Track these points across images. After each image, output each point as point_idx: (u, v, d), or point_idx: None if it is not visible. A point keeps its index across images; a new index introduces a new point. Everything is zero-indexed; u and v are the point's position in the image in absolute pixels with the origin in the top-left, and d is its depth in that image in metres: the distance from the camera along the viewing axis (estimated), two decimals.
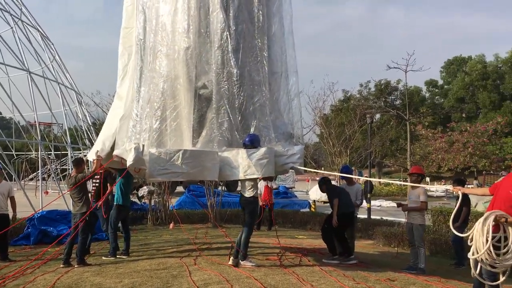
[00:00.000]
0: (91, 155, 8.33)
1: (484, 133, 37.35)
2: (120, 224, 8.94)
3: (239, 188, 8.63)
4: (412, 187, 8.55)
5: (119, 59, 8.28)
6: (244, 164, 7.12)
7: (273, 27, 8.02)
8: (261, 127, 7.58)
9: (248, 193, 7.51)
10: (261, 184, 13.92)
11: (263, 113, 7.62)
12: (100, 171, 8.33)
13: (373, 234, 12.12)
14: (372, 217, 15.72)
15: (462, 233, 6.76)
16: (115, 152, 7.33)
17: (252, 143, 7.20)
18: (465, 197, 6.21)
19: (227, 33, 7.22)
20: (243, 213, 7.86)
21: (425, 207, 8.34)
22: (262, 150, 7.14)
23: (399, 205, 8.85)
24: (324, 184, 8.77)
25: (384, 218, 15.40)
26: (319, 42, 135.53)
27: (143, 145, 6.88)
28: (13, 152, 35.91)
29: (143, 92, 7.35)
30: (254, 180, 7.54)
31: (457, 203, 5.77)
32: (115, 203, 8.73)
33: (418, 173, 8.52)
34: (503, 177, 5.44)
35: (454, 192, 6.37)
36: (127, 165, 6.81)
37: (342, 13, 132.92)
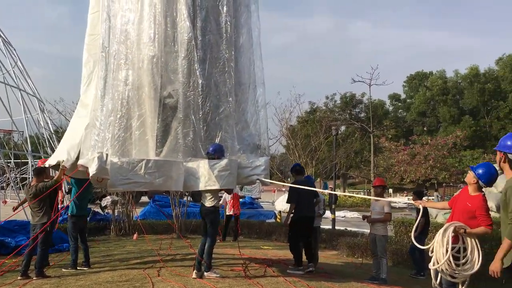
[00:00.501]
0: (51, 161, 8.12)
1: (444, 146, 38.58)
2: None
3: None
4: (377, 199, 8.72)
5: (84, 66, 8.14)
6: (205, 174, 7.10)
7: (241, 38, 8.07)
8: (226, 138, 7.57)
9: (208, 203, 7.49)
10: (227, 194, 13.91)
11: (229, 124, 7.64)
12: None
13: (337, 244, 12.26)
14: (337, 227, 15.90)
15: (422, 243, 6.94)
16: (80, 162, 7.16)
17: (215, 153, 7.18)
18: (425, 209, 6.44)
19: (194, 43, 7.22)
20: (203, 223, 7.82)
21: (389, 218, 8.55)
22: (224, 161, 7.12)
23: (364, 217, 9.02)
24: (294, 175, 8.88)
25: (348, 228, 15.61)
26: (287, 54, 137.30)
27: (107, 155, 6.78)
28: None
29: (107, 100, 7.25)
30: (215, 190, 7.51)
31: (417, 215, 5.93)
32: (69, 213, 8.52)
33: (382, 186, 8.75)
34: (461, 189, 5.64)
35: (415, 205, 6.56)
36: (90, 175, 6.70)
37: (310, 26, 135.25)
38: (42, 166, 8.01)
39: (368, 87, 23.18)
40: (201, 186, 7.20)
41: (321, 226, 10.38)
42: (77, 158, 7.49)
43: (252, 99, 8.14)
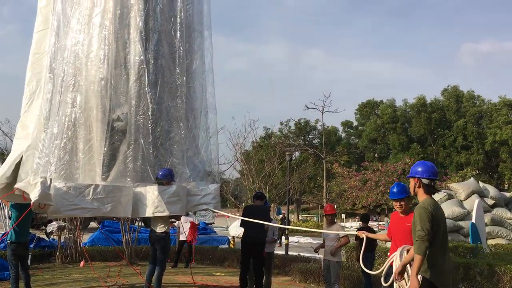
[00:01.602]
0: None
1: (394, 173, 39.74)
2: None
3: None
4: (328, 225, 8.81)
5: (26, 85, 7.82)
6: (154, 200, 6.98)
7: (193, 64, 8.09)
8: (176, 163, 7.49)
9: (159, 229, 7.36)
10: (183, 220, 13.70)
11: (180, 149, 7.57)
12: None
13: (290, 270, 12.23)
14: (290, 253, 15.92)
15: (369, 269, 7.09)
16: (17, 185, 6.80)
17: (165, 178, 7.08)
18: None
19: (145, 66, 7.16)
20: (152, 249, 7.65)
21: (348, 240, 8.63)
22: (173, 188, 7.03)
23: (316, 249, 9.03)
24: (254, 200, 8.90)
25: (301, 254, 15.65)
26: (242, 79, 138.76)
27: (51, 179, 6.50)
28: None
29: (52, 123, 6.99)
30: (166, 216, 7.39)
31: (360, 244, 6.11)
32: (8, 240, 8.13)
33: (334, 213, 8.85)
34: (391, 217, 5.95)
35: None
36: (32, 201, 6.36)
37: (264, 52, 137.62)
38: None
39: (321, 114, 23.66)
40: (150, 213, 7.06)
41: (275, 252, 10.35)
42: (12, 181, 7.13)
43: (204, 125, 8.13)
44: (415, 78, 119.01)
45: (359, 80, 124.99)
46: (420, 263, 4.37)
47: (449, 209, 16.13)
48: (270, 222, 9.03)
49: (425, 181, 4.65)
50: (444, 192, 17.98)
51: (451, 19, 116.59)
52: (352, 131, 71.04)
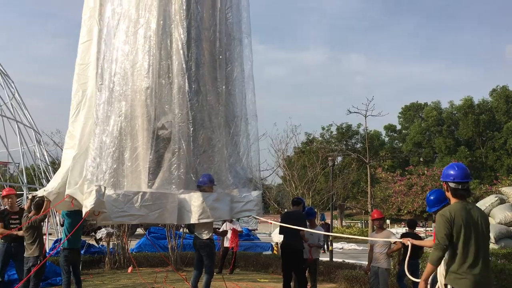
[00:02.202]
0: (40, 192, 8.04)
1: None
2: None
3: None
4: (377, 232, 8.59)
5: (73, 96, 8.05)
6: (198, 207, 7.04)
7: (234, 71, 8.15)
8: (219, 171, 7.56)
9: (204, 236, 7.41)
10: (227, 226, 13.82)
11: (222, 156, 7.63)
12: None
13: (335, 277, 12.07)
14: (334, 259, 15.72)
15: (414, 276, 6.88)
16: (67, 192, 7.03)
17: (205, 184, 7.15)
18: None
19: (187, 75, 7.27)
20: (197, 256, 7.70)
21: (401, 245, 8.38)
22: (215, 194, 7.10)
23: (366, 271, 8.83)
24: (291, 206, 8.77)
25: (346, 260, 15.42)
26: (282, 85, 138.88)
27: (105, 187, 6.68)
28: None
29: (100, 132, 7.21)
30: (210, 223, 7.45)
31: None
32: (62, 247, 8.41)
33: (382, 218, 8.61)
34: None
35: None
36: (88, 208, 6.54)
37: (305, 58, 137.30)
38: (39, 198, 7.92)
39: (364, 118, 23.23)
40: (195, 219, 7.14)
41: (320, 259, 10.23)
42: (62, 189, 7.36)
43: (245, 132, 8.16)
44: (460, 79, 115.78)
45: (402, 83, 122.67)
46: (429, 271, 4.40)
47: (501, 214, 15.47)
48: (306, 227, 8.90)
49: (451, 184, 4.54)
50: (496, 197, 17.23)
51: (495, 17, 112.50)
52: (395, 135, 69.56)
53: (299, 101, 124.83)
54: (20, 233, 8.01)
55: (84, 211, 6.51)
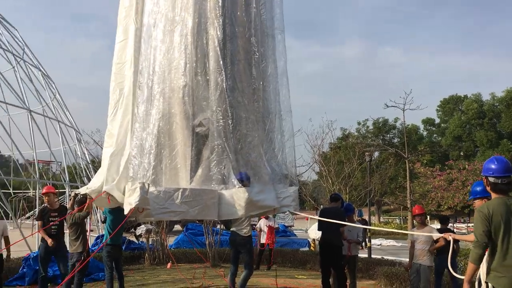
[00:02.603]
0: (83, 190, 8.23)
1: None
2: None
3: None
4: (418, 228, 8.40)
5: (111, 95, 8.16)
6: (244, 201, 7.06)
7: (268, 67, 8.11)
8: (255, 167, 7.55)
9: (244, 232, 7.42)
10: (263, 223, 13.86)
11: (259, 153, 7.62)
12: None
13: (374, 274, 11.92)
14: (373, 256, 15.51)
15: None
16: (104, 188, 7.13)
17: (243, 180, 7.15)
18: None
19: (223, 72, 7.30)
20: (234, 252, 7.70)
21: (444, 242, 8.15)
22: (259, 187, 7.09)
23: (407, 268, 8.64)
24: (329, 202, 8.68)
25: (385, 257, 15.19)
26: (317, 81, 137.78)
27: (148, 184, 6.76)
28: (11, 190, 35.69)
29: (140, 129, 7.32)
30: (250, 219, 7.47)
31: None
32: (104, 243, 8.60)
33: (424, 213, 8.38)
34: None
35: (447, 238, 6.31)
36: (133, 205, 6.63)
37: (339, 53, 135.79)
38: (82, 196, 8.12)
39: (402, 112, 22.74)
40: (241, 213, 7.15)
41: (358, 255, 10.09)
42: (101, 187, 7.50)
43: (279, 128, 8.13)
44: (502, 70, 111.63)
45: (440, 76, 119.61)
46: (471, 271, 4.29)
47: None
48: (343, 225, 8.77)
49: (491, 179, 4.39)
50: None
51: None
52: (434, 128, 67.89)
53: (334, 96, 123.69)
54: (49, 241, 8.21)
55: (127, 208, 6.61)
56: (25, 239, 13.46)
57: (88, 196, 7.69)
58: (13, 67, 19.14)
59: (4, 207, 21.26)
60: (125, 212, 6.68)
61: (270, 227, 13.84)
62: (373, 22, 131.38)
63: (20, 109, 18.06)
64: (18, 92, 18.03)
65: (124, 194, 6.95)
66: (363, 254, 14.99)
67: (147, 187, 6.60)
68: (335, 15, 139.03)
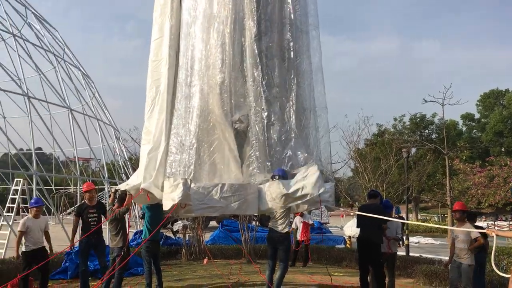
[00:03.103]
0: (122, 186, 8.40)
1: None
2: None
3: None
4: (458, 225, 8.17)
5: (148, 93, 8.26)
6: (279, 195, 7.05)
7: (303, 63, 8.08)
8: (293, 162, 7.54)
9: (281, 228, 7.37)
10: (298, 220, 13.82)
11: (295, 149, 7.60)
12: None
13: (413, 272, 11.69)
14: (411, 254, 15.22)
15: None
16: (142, 186, 7.24)
17: (280, 176, 7.14)
18: (484, 234, 6.24)
19: (260, 68, 7.32)
20: (271, 249, 7.66)
21: (482, 241, 7.92)
22: (294, 178, 7.04)
23: (446, 264, 8.44)
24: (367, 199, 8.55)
25: (423, 255, 14.87)
26: (353, 76, 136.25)
27: (190, 180, 6.83)
28: (53, 187, 36.83)
29: (177, 126, 7.39)
30: (288, 216, 7.45)
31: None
32: (142, 238, 8.75)
33: (462, 210, 8.14)
34: None
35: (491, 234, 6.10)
36: (176, 201, 6.69)
37: (373, 48, 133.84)
38: (122, 192, 8.30)
39: (441, 107, 22.16)
40: (276, 207, 7.16)
41: (397, 253, 9.89)
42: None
43: (314, 125, 8.07)
44: None
45: (479, 70, 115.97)
46: None
47: None
48: (385, 222, 8.61)
49: None
50: None
51: None
52: (474, 124, 65.89)
53: (369, 91, 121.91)
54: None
55: (169, 204, 6.68)
56: (67, 234, 13.90)
57: (127, 193, 7.86)
58: (54, 67, 19.76)
59: (47, 203, 22.00)
60: (166, 208, 6.77)
61: (305, 223, 13.78)
62: (408, 15, 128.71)
63: (61, 108, 18.59)
64: (59, 91, 18.59)
65: (162, 190, 7.05)
66: (401, 252, 14.72)
67: (189, 183, 6.66)
68: (369, 10, 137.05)
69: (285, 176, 7.23)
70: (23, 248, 8.32)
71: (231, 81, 7.33)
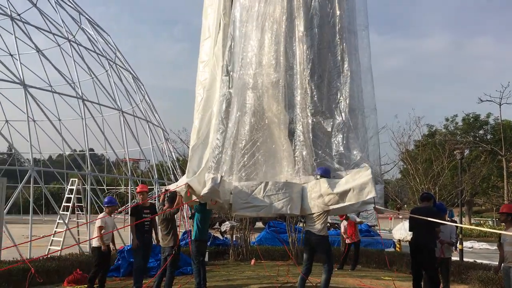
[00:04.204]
0: (172, 186, 8.53)
1: None
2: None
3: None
4: (507, 227, 7.77)
5: (196, 92, 8.34)
6: (325, 194, 6.88)
7: (352, 63, 7.95)
8: (341, 163, 7.41)
9: (318, 229, 7.22)
10: (344, 223, 13.58)
11: (343, 149, 7.47)
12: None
13: (467, 278, 11.23)
14: (465, 259, 14.64)
15: None
16: (185, 180, 7.32)
17: (323, 175, 6.98)
18: None
19: (310, 69, 7.25)
20: (307, 251, 7.51)
21: None
22: (344, 179, 6.84)
23: (496, 270, 8.05)
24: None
25: (478, 261, 14.27)
26: (403, 75, 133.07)
27: (221, 177, 6.83)
28: (104, 187, 38.04)
29: (229, 124, 7.39)
30: (326, 217, 7.26)
31: None
32: (193, 238, 8.86)
33: (507, 213, 7.74)
34: None
35: None
36: (201, 194, 6.70)
37: (426, 45, 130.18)
38: (172, 192, 8.44)
39: (498, 107, 21.24)
40: (323, 207, 6.99)
41: (451, 258, 9.52)
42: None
43: (362, 126, 7.91)
44: None
45: None
46: None
47: None
48: (439, 225, 8.29)
49: None
50: None
51: None
52: None
53: (420, 91, 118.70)
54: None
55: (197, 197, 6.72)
56: (119, 232, 14.28)
57: (178, 193, 7.99)
58: (106, 71, 20.40)
59: (99, 203, 22.72)
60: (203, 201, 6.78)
61: (350, 222, 13.50)
62: (461, 13, 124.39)
63: (112, 110, 19.15)
64: (111, 94, 19.17)
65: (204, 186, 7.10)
66: (454, 257, 14.20)
67: (219, 179, 6.64)
68: (419, 7, 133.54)
69: (327, 175, 7.09)
70: (95, 244, 8.61)
71: (283, 81, 7.29)
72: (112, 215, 9.14)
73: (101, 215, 8.76)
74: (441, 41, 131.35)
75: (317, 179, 7.05)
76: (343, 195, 6.85)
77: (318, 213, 7.20)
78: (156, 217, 8.71)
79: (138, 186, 9.48)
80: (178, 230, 8.76)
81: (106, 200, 9.10)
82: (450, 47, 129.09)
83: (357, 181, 6.86)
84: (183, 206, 8.54)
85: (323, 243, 7.36)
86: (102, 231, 8.49)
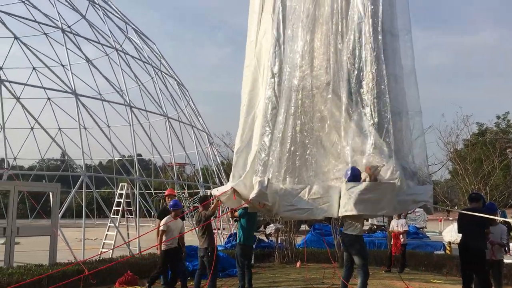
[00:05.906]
0: (213, 192, 8.64)
1: None
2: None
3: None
4: None
5: (242, 96, 8.39)
6: (343, 199, 6.67)
7: (396, 66, 7.84)
8: (385, 166, 7.31)
9: (351, 230, 7.12)
10: (397, 223, 13.30)
11: (385, 152, 7.36)
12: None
13: None
14: None
15: None
16: (231, 184, 7.30)
17: (354, 179, 6.73)
18: None
19: (355, 71, 7.22)
20: (345, 253, 7.41)
21: None
22: (364, 184, 6.53)
23: None
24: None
25: None
26: (449, 72, 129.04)
27: (268, 179, 6.84)
28: (152, 191, 38.96)
29: (276, 127, 7.38)
30: (359, 217, 7.10)
31: None
32: (237, 242, 8.97)
33: None
34: None
35: None
36: (250, 198, 6.69)
37: (472, 40, 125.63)
38: (202, 195, 8.63)
39: None
40: (340, 212, 6.77)
41: (503, 260, 9.21)
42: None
43: (407, 128, 7.75)
44: None
45: None
46: None
47: None
48: (488, 227, 8.02)
49: None
50: None
51: None
52: None
53: (468, 88, 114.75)
54: None
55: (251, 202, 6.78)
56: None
57: (213, 197, 8.11)
58: (152, 78, 20.98)
59: (148, 207, 23.34)
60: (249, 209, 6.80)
61: (394, 235, 13.19)
62: (506, 2, 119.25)
63: (159, 116, 19.67)
64: (157, 100, 19.69)
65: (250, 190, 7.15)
66: (507, 260, 13.67)
67: (266, 182, 6.62)
68: (467, 3, 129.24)
69: (355, 179, 6.74)
70: (163, 247, 8.83)
71: (333, 83, 7.26)
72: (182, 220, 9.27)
73: (166, 218, 8.91)
74: (490, 36, 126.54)
75: (348, 180, 6.82)
76: (357, 203, 6.56)
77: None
78: (196, 220, 8.90)
79: (167, 190, 9.67)
80: (216, 232, 8.90)
81: (171, 203, 9.19)
82: (499, 42, 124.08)
83: (376, 193, 6.63)
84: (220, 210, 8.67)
85: (355, 243, 7.26)
86: (165, 234, 8.67)
